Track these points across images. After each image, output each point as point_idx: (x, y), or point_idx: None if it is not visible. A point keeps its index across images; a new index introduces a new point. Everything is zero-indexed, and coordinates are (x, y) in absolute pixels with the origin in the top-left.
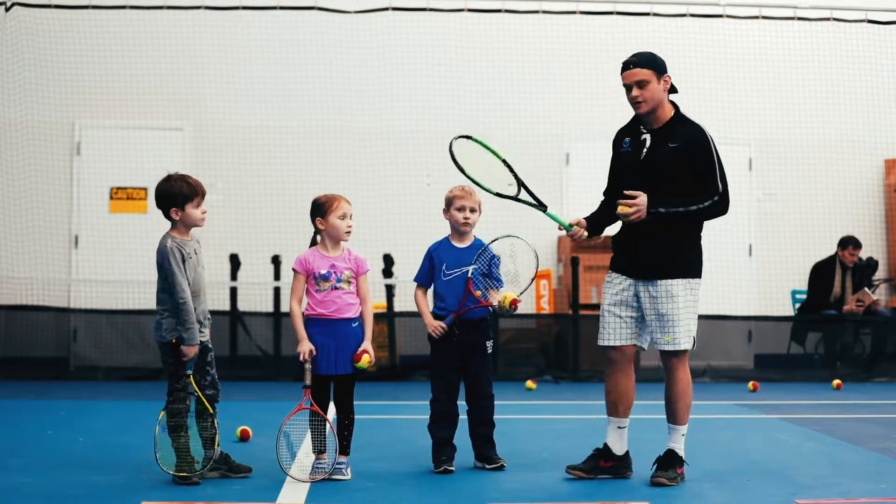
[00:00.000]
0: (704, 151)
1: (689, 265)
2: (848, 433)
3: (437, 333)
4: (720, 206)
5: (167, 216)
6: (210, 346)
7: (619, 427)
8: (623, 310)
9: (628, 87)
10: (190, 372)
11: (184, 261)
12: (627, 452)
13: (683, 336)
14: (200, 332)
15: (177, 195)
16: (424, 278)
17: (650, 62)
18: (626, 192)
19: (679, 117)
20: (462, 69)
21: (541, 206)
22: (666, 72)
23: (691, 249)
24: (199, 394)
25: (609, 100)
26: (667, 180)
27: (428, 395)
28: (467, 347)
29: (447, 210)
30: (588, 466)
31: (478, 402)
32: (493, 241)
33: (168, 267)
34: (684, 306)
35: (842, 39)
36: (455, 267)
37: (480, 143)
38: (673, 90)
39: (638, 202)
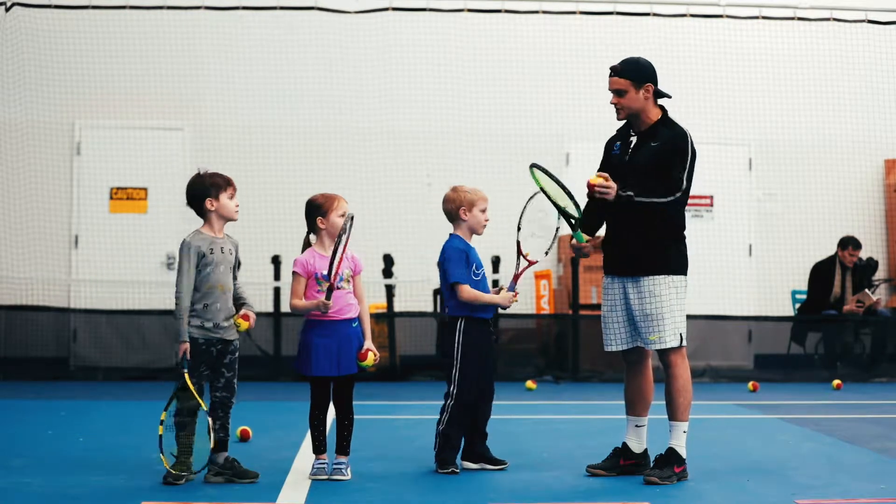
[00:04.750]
0: (679, 150)
1: (672, 263)
2: (848, 433)
3: (515, 300)
4: (679, 204)
5: (201, 211)
6: (231, 349)
7: (637, 426)
8: (619, 314)
9: (611, 92)
10: (185, 369)
11: (200, 257)
12: (646, 451)
13: (669, 334)
14: (215, 331)
15: (210, 186)
16: (467, 276)
17: (629, 71)
18: (600, 173)
19: (665, 120)
20: (462, 69)
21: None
22: (648, 80)
23: (674, 248)
24: (192, 390)
25: (609, 100)
26: (647, 177)
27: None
28: (490, 345)
29: (468, 210)
30: (608, 465)
31: (487, 400)
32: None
33: (179, 263)
34: (668, 304)
35: (842, 39)
36: (480, 268)
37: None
38: (661, 95)
39: (609, 184)
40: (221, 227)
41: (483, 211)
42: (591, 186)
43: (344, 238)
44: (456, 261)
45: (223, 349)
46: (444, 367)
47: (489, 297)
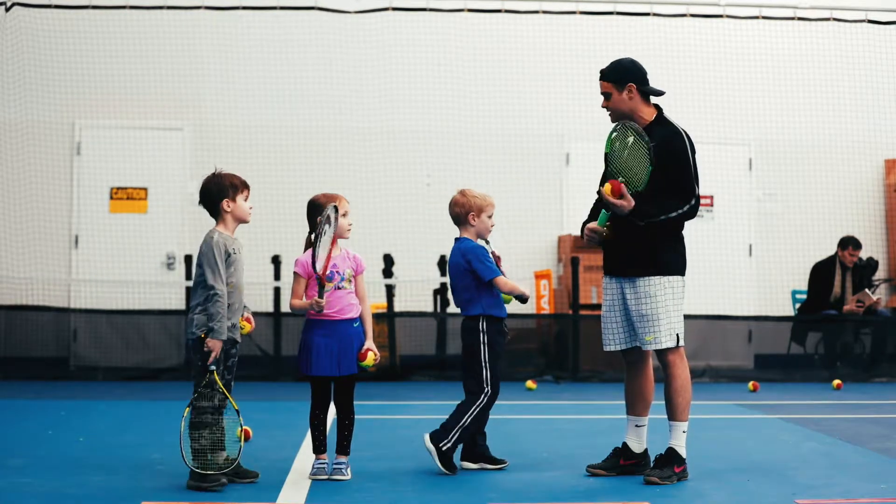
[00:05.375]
0: (680, 152)
1: (668, 263)
2: (848, 433)
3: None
4: (695, 210)
5: (216, 212)
6: (234, 351)
7: (637, 425)
8: (617, 314)
9: (601, 96)
10: (214, 368)
11: (228, 256)
12: (646, 451)
13: (664, 335)
14: (231, 331)
15: (228, 187)
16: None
17: (611, 74)
18: (620, 179)
19: (660, 119)
20: (462, 69)
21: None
22: (630, 80)
23: (670, 248)
24: (224, 390)
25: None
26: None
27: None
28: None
29: (477, 216)
30: (608, 465)
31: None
32: None
33: (210, 258)
34: (664, 305)
35: (842, 39)
36: None
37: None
38: (653, 93)
39: (625, 200)
40: (235, 228)
41: (490, 217)
42: (613, 191)
43: (328, 229)
44: (483, 257)
45: (229, 350)
46: (468, 369)
47: (520, 288)
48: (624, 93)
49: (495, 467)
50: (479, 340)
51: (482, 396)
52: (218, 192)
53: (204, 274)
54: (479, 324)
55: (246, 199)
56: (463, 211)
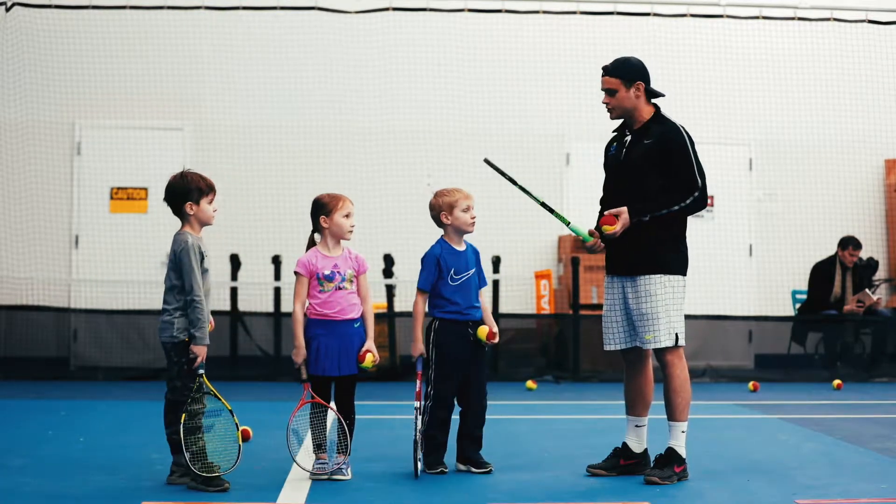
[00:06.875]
0: (679, 147)
1: (669, 262)
2: (848, 433)
3: (421, 356)
4: (701, 202)
5: (179, 212)
6: None
7: (637, 426)
8: (618, 314)
9: (603, 92)
10: (202, 371)
11: (202, 259)
12: (646, 451)
13: (664, 333)
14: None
15: (193, 190)
16: (430, 285)
17: (618, 70)
18: (606, 212)
19: (657, 117)
20: (462, 69)
21: (564, 220)
22: (638, 79)
23: (672, 247)
24: (216, 392)
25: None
26: (642, 177)
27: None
28: (473, 348)
29: (449, 213)
30: (608, 465)
31: (479, 402)
32: None
33: (188, 263)
34: (664, 304)
35: (842, 39)
36: (463, 272)
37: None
38: (655, 94)
39: (621, 220)
40: (200, 230)
41: (466, 210)
42: (610, 223)
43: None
44: (424, 267)
45: None
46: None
47: (417, 332)
48: (631, 90)
49: (479, 471)
50: (429, 341)
51: (426, 400)
52: (182, 195)
53: (181, 279)
54: (431, 324)
55: (210, 203)
56: (435, 213)
